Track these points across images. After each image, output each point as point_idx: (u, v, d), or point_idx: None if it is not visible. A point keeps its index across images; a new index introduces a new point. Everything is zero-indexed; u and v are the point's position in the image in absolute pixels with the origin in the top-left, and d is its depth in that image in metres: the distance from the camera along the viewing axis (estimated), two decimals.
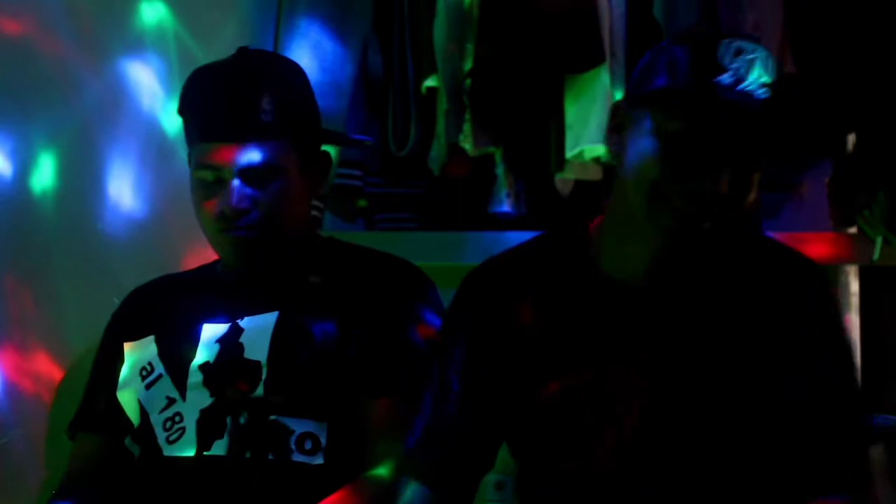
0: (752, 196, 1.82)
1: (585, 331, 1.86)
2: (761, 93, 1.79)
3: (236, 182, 2.03)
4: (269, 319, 2.07)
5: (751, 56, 1.80)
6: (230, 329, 2.08)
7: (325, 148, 2.18)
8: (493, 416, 1.91)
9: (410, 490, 1.90)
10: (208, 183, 2.06)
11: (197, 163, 2.07)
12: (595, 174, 3.09)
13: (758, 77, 1.79)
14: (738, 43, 1.80)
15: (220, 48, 2.16)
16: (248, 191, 2.04)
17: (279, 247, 2.08)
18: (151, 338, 2.13)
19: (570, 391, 1.85)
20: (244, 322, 2.08)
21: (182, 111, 2.12)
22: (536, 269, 1.93)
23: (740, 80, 1.78)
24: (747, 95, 1.78)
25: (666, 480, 1.82)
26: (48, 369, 2.35)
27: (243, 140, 2.03)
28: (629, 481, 1.83)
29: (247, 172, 2.04)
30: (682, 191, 1.77)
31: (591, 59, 3.00)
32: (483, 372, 1.90)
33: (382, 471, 1.98)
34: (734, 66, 1.79)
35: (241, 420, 2.02)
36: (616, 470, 1.83)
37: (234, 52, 2.13)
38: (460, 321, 1.94)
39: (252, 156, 2.03)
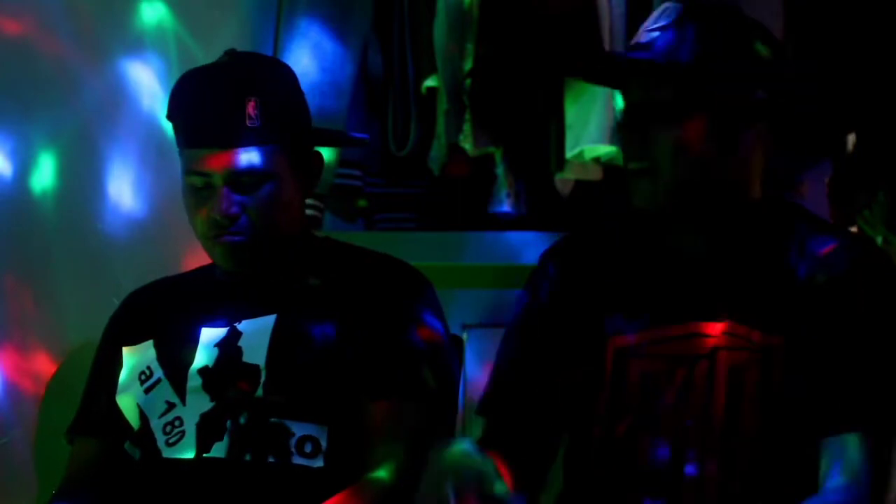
0: (731, 153, 1.87)
1: (650, 297, 1.91)
2: (648, 37, 1.86)
3: (225, 189, 2.03)
4: (267, 322, 2.06)
5: (658, 13, 1.88)
6: (228, 333, 2.07)
7: (323, 148, 2.17)
8: (564, 369, 1.94)
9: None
10: (198, 189, 2.05)
11: (186, 168, 2.06)
12: (595, 174, 3.09)
13: (649, 27, 1.87)
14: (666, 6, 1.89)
15: (220, 48, 2.15)
16: (237, 197, 2.03)
17: (272, 250, 2.08)
18: (150, 342, 2.13)
19: (632, 353, 1.89)
20: (242, 325, 2.08)
21: (170, 116, 2.11)
22: (611, 244, 1.99)
23: (640, 39, 1.87)
24: (644, 47, 1.85)
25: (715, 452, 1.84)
26: (48, 369, 2.35)
27: (230, 146, 2.03)
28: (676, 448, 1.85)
29: (235, 178, 2.03)
30: (634, 167, 1.88)
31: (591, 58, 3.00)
32: (562, 328, 1.95)
33: (383, 473, 1.97)
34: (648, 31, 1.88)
35: (242, 420, 2.01)
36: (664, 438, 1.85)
37: (222, 55, 2.12)
38: (542, 280, 1.99)
39: (239, 162, 2.03)
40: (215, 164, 2.02)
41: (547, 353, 1.95)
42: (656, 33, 1.86)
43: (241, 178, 2.03)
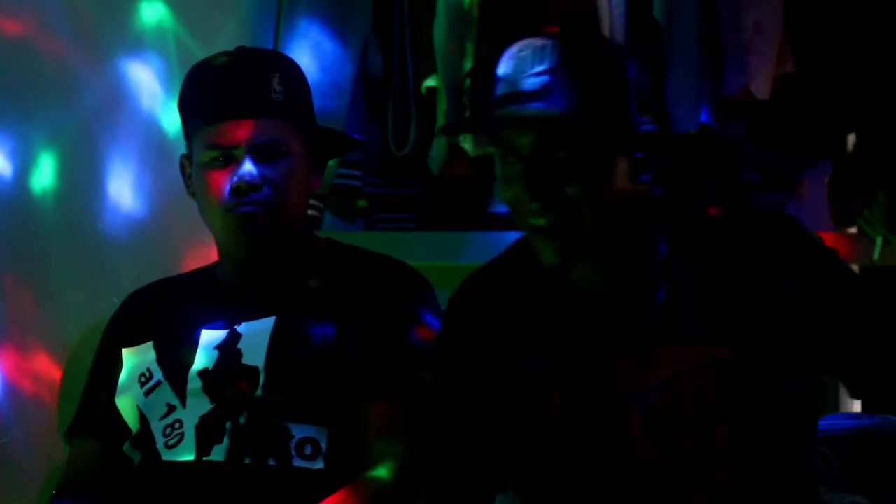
0: (599, 188, 1.79)
1: (561, 341, 1.85)
2: (531, 84, 1.77)
3: (248, 157, 2.04)
4: (266, 324, 2.07)
5: (521, 54, 1.79)
6: (228, 335, 2.08)
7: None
8: (500, 437, 1.89)
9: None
10: (217, 164, 2.05)
11: (206, 144, 2.06)
12: None
13: (529, 71, 1.77)
14: (515, 49, 1.80)
15: (220, 48, 2.16)
16: (260, 167, 2.04)
17: (281, 232, 2.08)
18: (150, 343, 2.13)
19: (558, 403, 1.83)
20: (242, 327, 2.08)
21: (186, 100, 2.12)
22: (509, 283, 1.92)
23: (513, 84, 1.78)
24: (522, 96, 1.76)
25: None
26: (48, 369, 2.35)
27: (256, 115, 2.05)
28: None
29: (259, 149, 2.05)
30: (531, 207, 1.79)
31: None
32: (484, 390, 1.89)
33: (382, 471, 1.97)
34: (507, 72, 1.79)
35: (242, 420, 2.01)
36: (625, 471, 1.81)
37: (234, 49, 2.14)
38: (454, 349, 1.94)
39: (265, 132, 2.05)
40: (240, 134, 2.04)
41: (484, 408, 1.89)
42: (541, 79, 1.77)
43: (265, 150, 2.04)
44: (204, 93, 2.09)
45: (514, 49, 1.81)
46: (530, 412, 1.85)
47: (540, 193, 1.77)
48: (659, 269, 1.83)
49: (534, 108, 1.76)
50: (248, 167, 2.03)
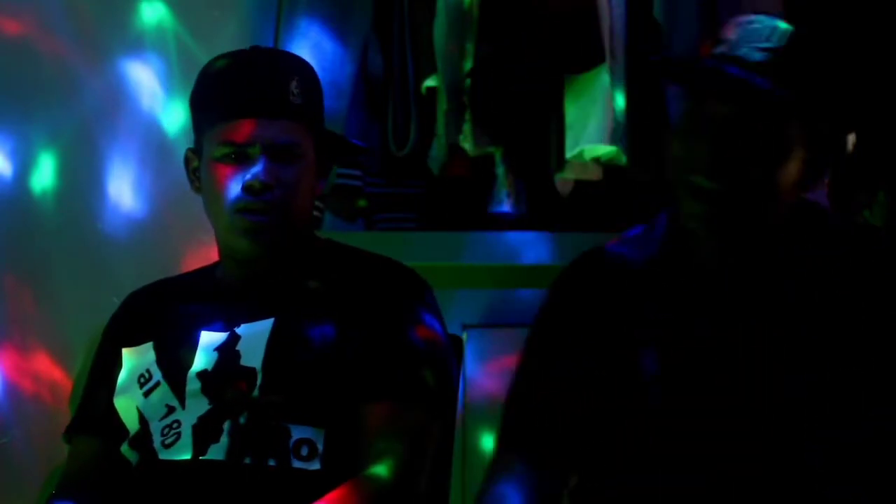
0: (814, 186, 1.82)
1: (670, 317, 1.85)
2: (758, 56, 1.78)
3: (263, 157, 2.04)
4: (265, 326, 2.06)
5: (751, 25, 1.80)
6: (228, 337, 2.08)
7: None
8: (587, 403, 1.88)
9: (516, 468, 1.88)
10: (230, 160, 2.05)
11: (219, 140, 2.05)
12: (595, 174, 3.09)
13: (756, 43, 1.79)
14: (746, 19, 1.81)
15: (220, 48, 2.16)
16: (274, 167, 2.05)
17: (286, 235, 2.08)
18: (149, 344, 2.13)
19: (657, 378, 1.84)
20: (241, 329, 2.08)
21: (201, 95, 2.11)
22: (626, 263, 1.92)
23: (735, 47, 1.79)
24: (740, 61, 1.77)
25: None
26: (48, 369, 2.35)
27: (273, 116, 2.05)
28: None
29: (274, 149, 2.04)
30: (703, 165, 1.78)
31: (590, 59, 3.01)
32: (583, 358, 1.89)
33: (381, 470, 1.97)
34: (731, 36, 1.79)
35: (241, 420, 2.01)
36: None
37: (248, 48, 2.14)
38: (559, 314, 1.94)
39: (281, 133, 2.05)
40: (257, 133, 2.03)
41: (575, 387, 1.88)
42: (766, 55, 1.78)
43: (279, 150, 2.04)
44: (221, 89, 2.09)
45: (744, 18, 1.82)
46: (629, 385, 1.84)
47: (721, 156, 1.76)
48: (783, 266, 1.84)
49: (753, 80, 1.75)
50: (262, 166, 2.03)
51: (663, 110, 3.03)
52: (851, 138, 3.18)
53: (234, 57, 2.11)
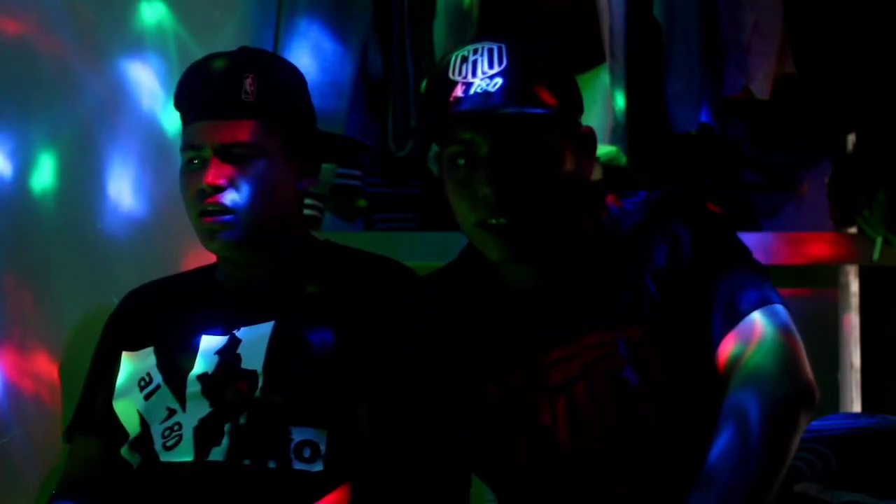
0: (554, 184, 1.82)
1: (496, 340, 1.89)
2: (492, 85, 1.79)
3: (215, 160, 2.04)
4: (265, 329, 2.07)
5: (473, 57, 1.81)
6: (228, 340, 2.08)
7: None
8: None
9: None
10: (193, 166, 2.06)
11: (183, 146, 2.09)
12: (595, 174, 3.08)
13: (484, 72, 1.79)
14: (466, 49, 1.82)
15: (220, 48, 2.16)
16: (226, 169, 2.04)
17: (256, 234, 2.07)
18: (150, 349, 2.13)
19: (493, 400, 1.88)
20: (241, 332, 2.08)
21: (176, 101, 2.13)
22: (452, 288, 1.97)
23: (468, 85, 1.79)
24: (482, 96, 1.78)
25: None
26: (48, 369, 2.35)
27: (223, 118, 2.05)
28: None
29: (225, 150, 2.05)
30: (489, 203, 1.80)
31: (590, 59, 3.01)
32: (437, 387, 1.93)
33: (381, 472, 1.97)
34: (461, 76, 1.80)
35: (241, 421, 2.01)
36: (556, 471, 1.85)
37: (229, 50, 2.15)
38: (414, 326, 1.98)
39: (230, 133, 2.04)
40: (207, 135, 2.04)
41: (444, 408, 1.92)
42: (497, 80, 1.79)
43: (232, 151, 2.04)
44: (181, 94, 2.11)
45: (463, 52, 1.83)
46: (472, 406, 1.89)
47: (500, 191, 1.79)
48: (587, 268, 1.87)
49: (493, 105, 1.78)
50: (212, 169, 2.04)
51: (663, 110, 3.03)
52: (851, 138, 3.18)
53: (202, 61, 2.12)
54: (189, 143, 2.07)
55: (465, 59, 1.81)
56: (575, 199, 1.85)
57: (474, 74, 1.80)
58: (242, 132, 2.05)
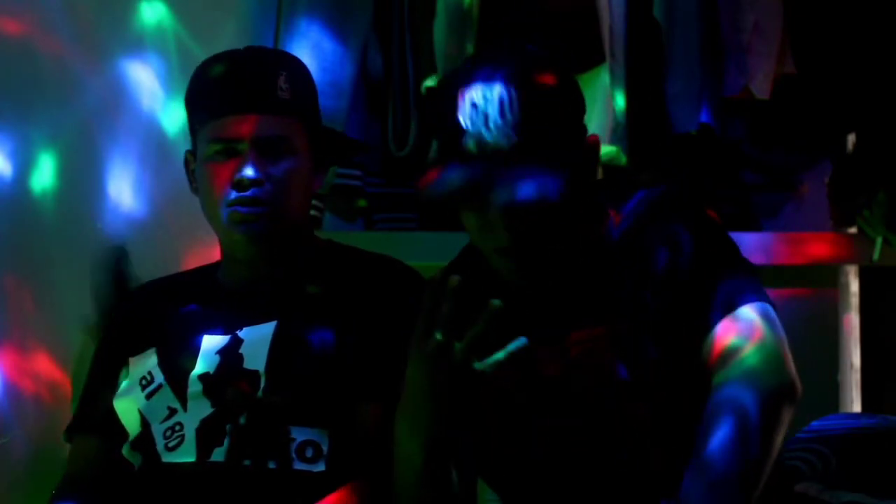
0: (566, 213, 1.84)
1: (496, 339, 1.86)
2: (505, 139, 1.78)
3: (252, 152, 2.05)
4: (267, 329, 2.07)
5: (483, 106, 1.79)
6: (230, 341, 2.08)
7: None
8: None
9: None
10: (220, 158, 2.06)
11: (210, 138, 2.07)
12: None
13: (497, 125, 1.78)
14: (473, 91, 1.80)
15: (220, 48, 2.16)
16: (262, 163, 2.05)
17: (282, 230, 2.08)
18: (152, 350, 2.13)
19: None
20: (243, 332, 2.08)
21: (193, 95, 2.12)
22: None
23: (480, 140, 1.78)
24: (495, 155, 1.77)
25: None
26: (48, 369, 2.35)
27: (261, 111, 2.06)
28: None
29: (262, 144, 2.05)
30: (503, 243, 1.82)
31: (590, 59, 3.01)
32: None
33: (382, 472, 1.97)
34: (471, 124, 1.79)
35: (242, 421, 2.01)
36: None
37: (243, 48, 2.15)
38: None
39: (269, 128, 2.05)
40: (245, 128, 2.05)
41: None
42: (508, 139, 1.77)
43: (268, 145, 2.05)
44: (210, 88, 2.10)
45: (472, 91, 1.80)
46: (472, 406, 1.87)
47: (517, 239, 1.81)
48: (587, 268, 1.90)
49: (511, 182, 1.76)
50: (250, 162, 2.04)
51: (663, 110, 3.03)
52: (851, 138, 3.18)
53: (225, 56, 2.13)
54: (219, 136, 2.06)
55: (475, 106, 1.79)
56: (582, 212, 1.88)
57: (486, 127, 1.79)
58: (281, 127, 2.06)
